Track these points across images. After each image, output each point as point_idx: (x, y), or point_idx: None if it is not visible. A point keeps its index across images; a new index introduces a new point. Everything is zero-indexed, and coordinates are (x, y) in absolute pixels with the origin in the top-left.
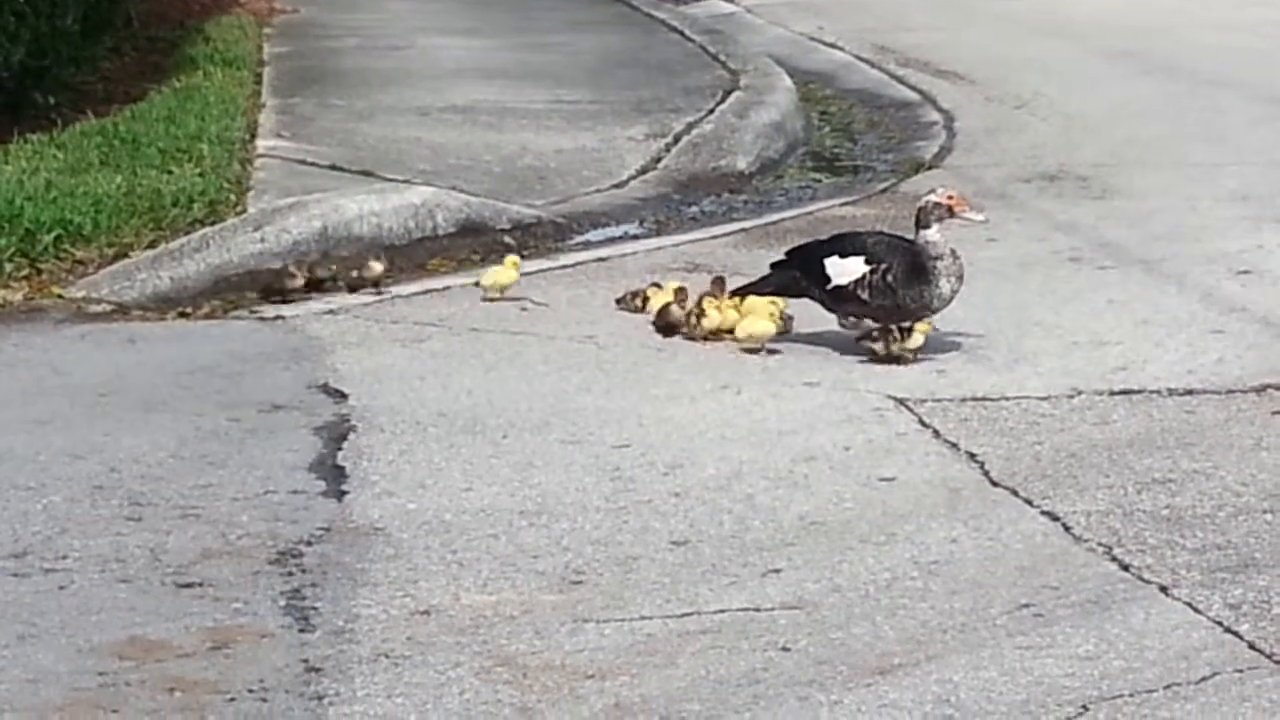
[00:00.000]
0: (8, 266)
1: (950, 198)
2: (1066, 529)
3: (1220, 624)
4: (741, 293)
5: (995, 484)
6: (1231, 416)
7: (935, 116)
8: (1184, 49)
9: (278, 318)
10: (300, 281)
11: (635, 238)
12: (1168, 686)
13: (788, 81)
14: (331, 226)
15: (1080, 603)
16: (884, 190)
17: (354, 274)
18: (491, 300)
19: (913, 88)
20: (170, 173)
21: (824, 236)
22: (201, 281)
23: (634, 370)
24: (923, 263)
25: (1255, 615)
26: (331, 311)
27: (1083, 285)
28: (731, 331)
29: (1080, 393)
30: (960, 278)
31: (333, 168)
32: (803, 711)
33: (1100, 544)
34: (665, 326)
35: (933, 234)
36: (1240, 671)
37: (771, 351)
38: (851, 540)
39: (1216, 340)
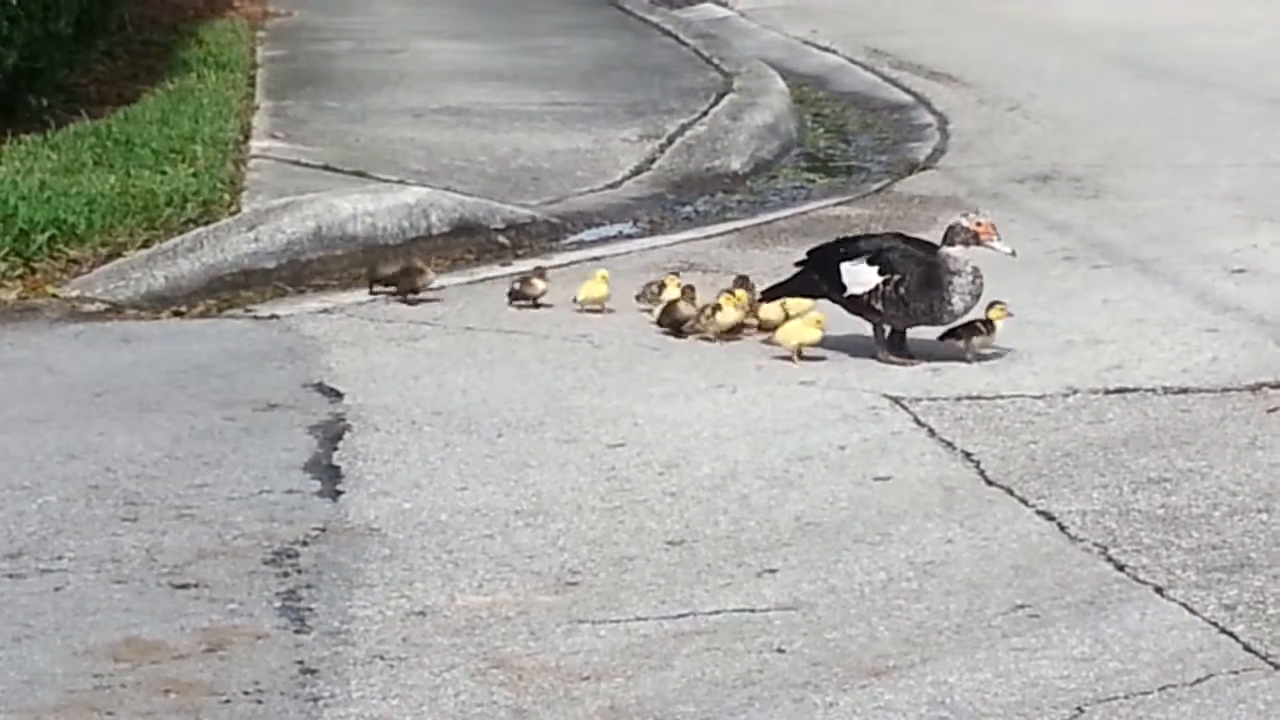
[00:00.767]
0: (2, 266)
1: (979, 225)
2: (1062, 528)
3: (1216, 625)
4: (768, 294)
5: (991, 483)
6: (1226, 415)
7: (929, 118)
8: (1177, 51)
9: (272, 317)
10: (431, 277)
11: (629, 237)
12: (1163, 688)
13: (781, 84)
14: (325, 226)
15: (1075, 603)
16: (878, 190)
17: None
18: (592, 313)
19: (906, 90)
20: (164, 173)
21: (841, 238)
22: (196, 281)
23: (629, 369)
24: (939, 275)
25: (1251, 616)
26: (326, 310)
27: (1077, 285)
28: (740, 328)
29: (1075, 391)
30: (976, 296)
31: (326, 168)
32: (798, 713)
33: (1096, 544)
34: (672, 323)
35: (955, 250)
36: (1235, 673)
37: (807, 358)
38: (847, 540)
39: (1211, 339)
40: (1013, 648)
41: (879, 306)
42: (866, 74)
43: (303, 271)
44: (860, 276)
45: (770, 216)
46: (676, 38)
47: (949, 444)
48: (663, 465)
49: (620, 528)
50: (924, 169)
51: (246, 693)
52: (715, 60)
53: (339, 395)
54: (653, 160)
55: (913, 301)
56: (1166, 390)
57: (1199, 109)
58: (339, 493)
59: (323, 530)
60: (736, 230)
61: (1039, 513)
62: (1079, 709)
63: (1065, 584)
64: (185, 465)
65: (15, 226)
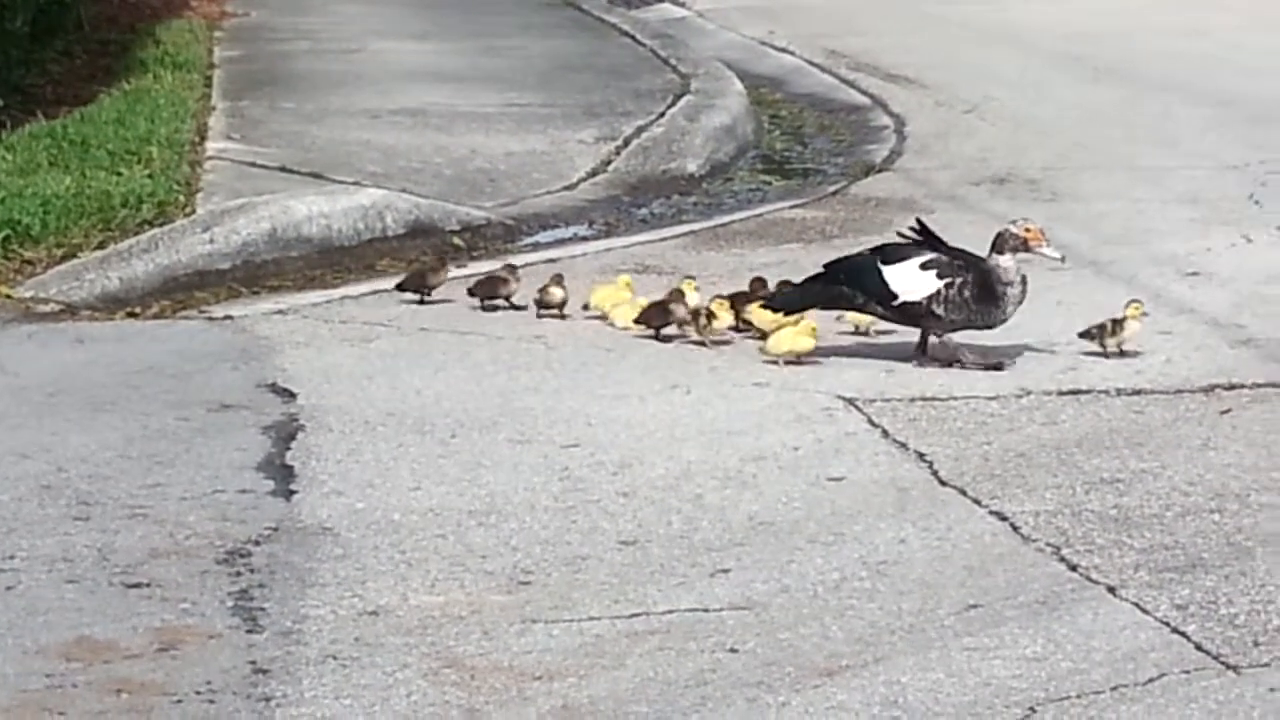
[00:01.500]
0: None
1: (1028, 231)
2: (1015, 529)
3: (1168, 624)
4: (780, 309)
5: (944, 484)
6: (1179, 417)
7: (886, 120)
8: (1133, 54)
9: (226, 318)
10: (445, 275)
11: (585, 239)
12: (1115, 688)
13: (738, 85)
14: (281, 228)
15: (1028, 603)
16: (835, 193)
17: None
18: (616, 329)
19: (863, 92)
20: (119, 174)
21: (871, 247)
22: (150, 282)
23: (583, 370)
24: (992, 284)
25: (1202, 616)
26: (280, 311)
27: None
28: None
29: (1029, 393)
30: (1020, 304)
31: (282, 170)
32: (750, 713)
33: (1048, 544)
34: (663, 325)
35: (1006, 259)
36: (1187, 673)
37: (796, 364)
38: (800, 540)
39: (1165, 341)
40: (965, 647)
41: (940, 311)
42: (824, 75)
43: (257, 273)
44: (912, 282)
45: (726, 219)
46: (634, 38)
47: (902, 445)
48: (616, 465)
49: (573, 528)
50: (880, 171)
51: (198, 692)
52: (672, 61)
53: (293, 396)
54: (609, 162)
55: (975, 304)
56: (1120, 392)
57: (1154, 112)
58: (292, 492)
59: (275, 530)
60: (692, 232)
61: (992, 513)
62: (1031, 709)
63: (1018, 584)
64: (138, 465)
65: None
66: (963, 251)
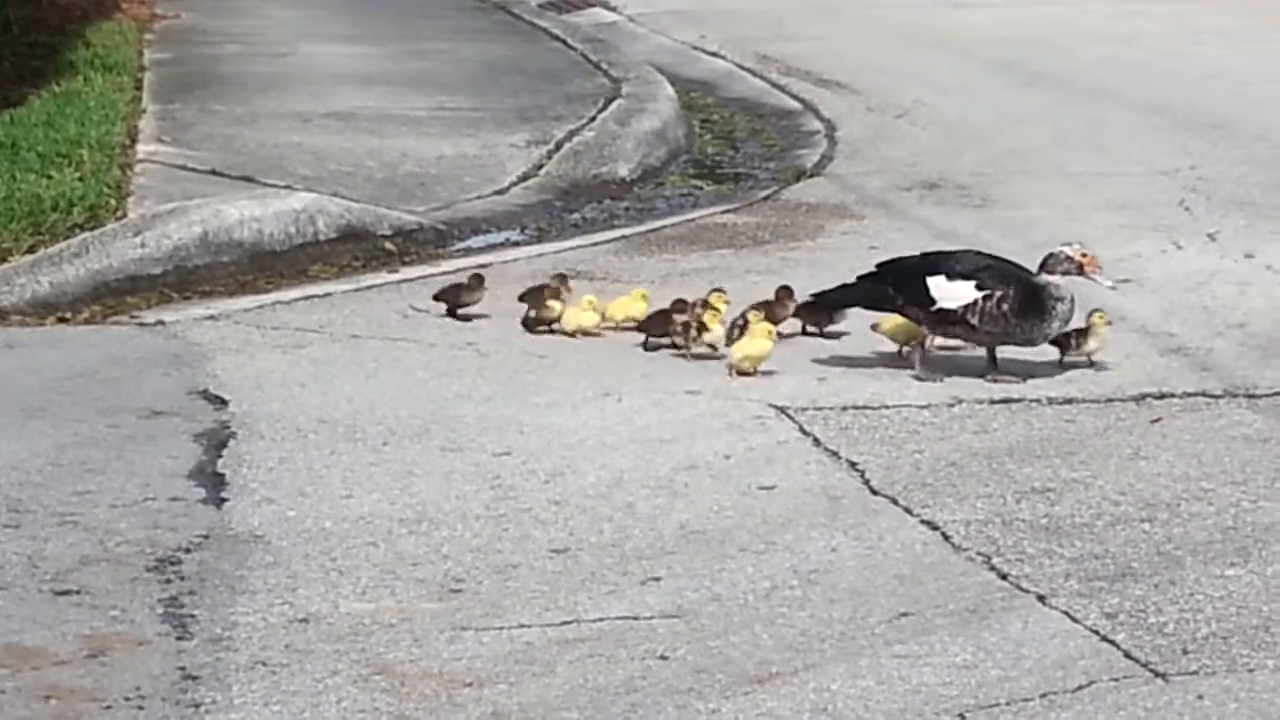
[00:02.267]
0: None
1: (1084, 256)
2: (946, 538)
3: (1097, 633)
4: (822, 303)
5: (875, 492)
6: (1110, 425)
7: (817, 125)
8: (1063, 59)
9: (158, 323)
10: (480, 295)
11: (516, 244)
12: (1044, 695)
13: (669, 90)
14: (212, 232)
15: (958, 611)
16: (766, 198)
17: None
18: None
19: (794, 96)
20: (50, 177)
21: (923, 252)
22: (81, 287)
23: (515, 377)
24: (1043, 300)
25: (1132, 624)
26: (212, 317)
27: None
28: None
29: (960, 401)
30: (1068, 323)
31: (213, 173)
32: None
33: (979, 553)
34: (663, 334)
35: (1058, 278)
36: (1116, 680)
37: (764, 373)
38: (731, 549)
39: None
40: (895, 655)
41: (974, 322)
42: (755, 80)
43: (189, 278)
44: (952, 291)
45: (658, 224)
46: (565, 42)
47: (834, 453)
48: (548, 474)
49: (504, 535)
50: (811, 176)
51: (128, 699)
52: (604, 65)
53: (224, 402)
54: (540, 166)
55: (1014, 318)
56: (1051, 401)
57: (1085, 117)
58: (223, 500)
59: (206, 537)
60: (624, 237)
61: (923, 522)
62: (961, 716)
63: (949, 592)
64: (68, 472)
65: None
66: (1015, 266)
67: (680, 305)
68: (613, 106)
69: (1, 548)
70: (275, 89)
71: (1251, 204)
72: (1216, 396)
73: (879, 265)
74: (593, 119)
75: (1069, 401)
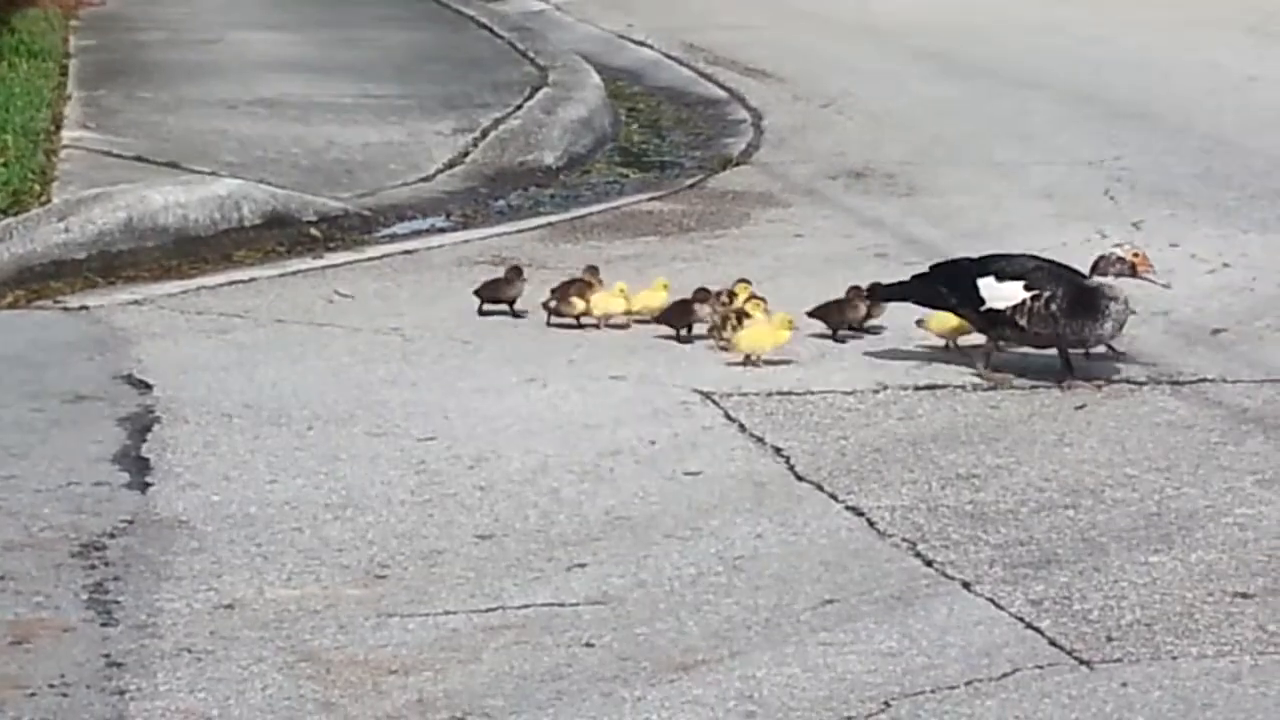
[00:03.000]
0: None
1: (1135, 256)
2: (871, 524)
3: (1022, 620)
4: (879, 296)
5: (800, 479)
6: (1035, 412)
7: (743, 114)
8: (991, 49)
9: (82, 308)
10: (521, 287)
11: (441, 231)
12: (969, 683)
13: (596, 78)
14: (137, 218)
15: (884, 598)
16: (691, 186)
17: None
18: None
19: (721, 85)
20: None
21: (977, 256)
22: (4, 272)
23: (440, 363)
24: (1095, 300)
25: (1056, 611)
26: (136, 302)
27: (883, 279)
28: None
29: (885, 387)
30: (1123, 325)
31: (138, 159)
32: (606, 707)
33: (904, 539)
34: (685, 324)
35: (1110, 279)
36: (1040, 668)
37: (770, 362)
38: (656, 535)
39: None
40: (821, 643)
41: (1023, 322)
42: (682, 69)
43: (113, 263)
44: (1002, 291)
45: (583, 211)
46: (492, 30)
47: (759, 439)
48: (473, 459)
49: (430, 521)
50: (738, 165)
51: (52, 685)
52: (530, 54)
53: (148, 387)
54: (466, 154)
55: (1064, 319)
56: (976, 387)
57: (1011, 107)
58: (148, 485)
59: (131, 523)
60: (549, 225)
61: (848, 508)
62: (886, 703)
63: (873, 579)
64: None
65: None
66: (1065, 268)
67: (702, 295)
68: (539, 95)
69: None
70: (202, 76)
71: (1175, 193)
72: (1141, 383)
73: (933, 265)
74: (519, 107)
75: (994, 387)
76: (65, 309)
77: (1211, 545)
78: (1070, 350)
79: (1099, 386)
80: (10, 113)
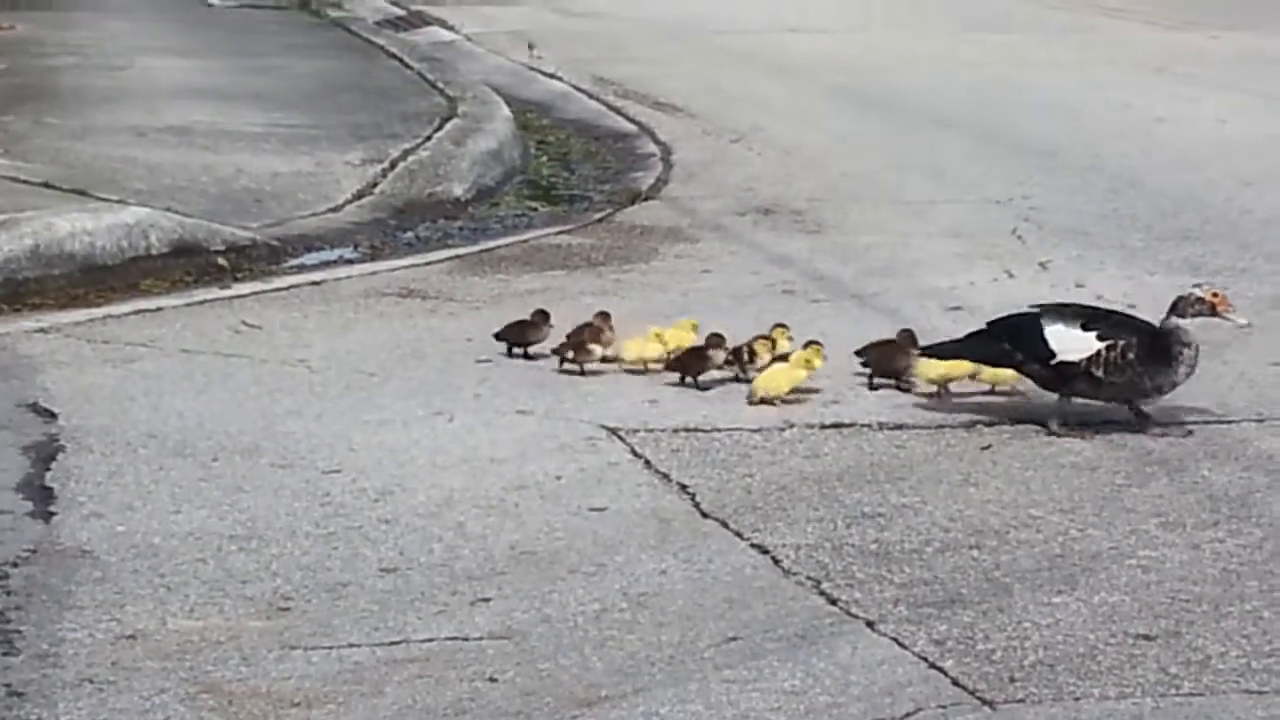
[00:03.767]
0: None
1: (1215, 296)
2: (776, 562)
3: (925, 659)
4: (935, 355)
5: (706, 515)
6: (941, 451)
7: (653, 148)
8: (901, 86)
9: None
10: (547, 332)
11: (350, 262)
12: None
13: (506, 110)
14: (44, 244)
15: (788, 636)
16: (600, 220)
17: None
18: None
19: (631, 119)
20: None
21: (1037, 305)
22: None
23: (346, 394)
24: (1168, 346)
25: (960, 651)
26: (42, 330)
27: (797, 318)
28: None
29: (792, 425)
30: (1193, 369)
31: (46, 186)
32: None
33: (809, 577)
34: (700, 371)
35: (1186, 322)
36: (944, 707)
37: (786, 402)
38: (561, 570)
39: None
40: (724, 679)
41: (1099, 373)
42: (591, 102)
43: (19, 290)
44: (1073, 342)
45: (492, 244)
46: (402, 60)
47: (665, 475)
48: (378, 492)
49: (334, 554)
50: (647, 199)
51: None
52: (440, 84)
53: (53, 416)
54: (375, 184)
55: (1139, 368)
56: (882, 426)
57: (921, 144)
58: (51, 514)
59: (34, 552)
60: (458, 257)
61: (753, 545)
62: None
63: (778, 617)
64: None
65: None
66: (1130, 317)
67: (715, 340)
68: (449, 126)
69: None
70: (111, 102)
71: (1083, 233)
72: (1046, 425)
73: (990, 322)
74: (428, 138)
75: (900, 427)
76: None
77: (1115, 587)
78: (1138, 400)
79: (1189, 433)
80: None
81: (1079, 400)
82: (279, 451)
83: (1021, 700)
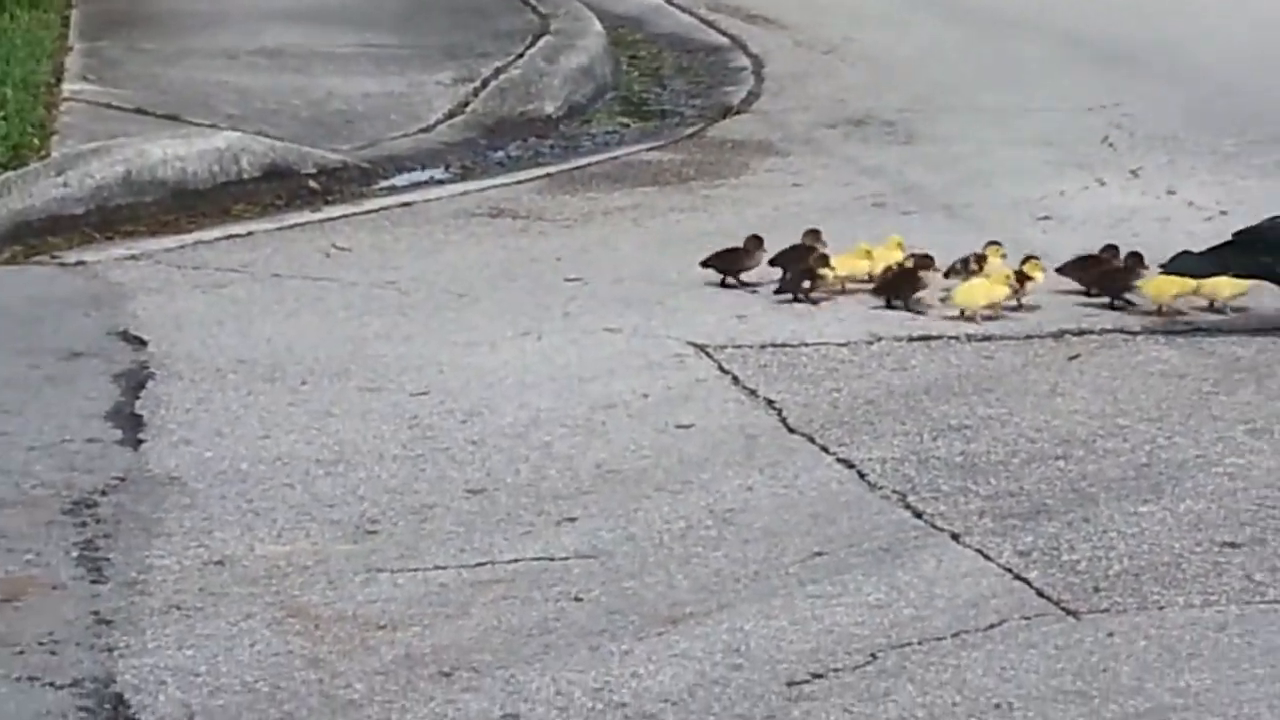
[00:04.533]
0: None
1: None
2: (861, 476)
3: (1010, 571)
4: (1185, 273)
5: (792, 431)
6: (1029, 362)
7: (744, 61)
8: None
9: (79, 263)
10: (760, 258)
11: (441, 182)
12: (956, 634)
13: (597, 26)
14: (135, 171)
15: (872, 550)
16: (691, 135)
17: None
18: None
19: (722, 32)
20: None
21: (1270, 219)
22: (2, 226)
23: (435, 316)
24: None
25: (1044, 562)
26: (133, 257)
27: (886, 230)
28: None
29: (879, 339)
30: None
31: (139, 111)
32: (594, 661)
33: (894, 491)
34: (913, 293)
35: None
36: (1027, 619)
37: (987, 317)
38: (647, 488)
39: None
40: (809, 595)
41: None
42: (683, 15)
43: (111, 217)
44: None
45: (583, 161)
46: None
47: (752, 392)
48: (465, 413)
49: (421, 476)
50: (738, 113)
51: (41, 643)
52: (532, 2)
53: (143, 343)
54: (466, 104)
55: None
56: (970, 338)
57: (1011, 52)
58: (140, 441)
59: (123, 479)
60: (548, 175)
61: (839, 460)
62: (873, 655)
63: (863, 531)
64: None
65: None
66: None
67: (925, 261)
68: (541, 43)
69: None
70: (203, 27)
71: (1174, 139)
72: (1134, 333)
73: (1236, 234)
74: (520, 55)
75: (988, 338)
76: (62, 264)
77: (1201, 495)
78: None
79: None
80: (10, 65)
81: None
82: (367, 375)
83: (1106, 610)
